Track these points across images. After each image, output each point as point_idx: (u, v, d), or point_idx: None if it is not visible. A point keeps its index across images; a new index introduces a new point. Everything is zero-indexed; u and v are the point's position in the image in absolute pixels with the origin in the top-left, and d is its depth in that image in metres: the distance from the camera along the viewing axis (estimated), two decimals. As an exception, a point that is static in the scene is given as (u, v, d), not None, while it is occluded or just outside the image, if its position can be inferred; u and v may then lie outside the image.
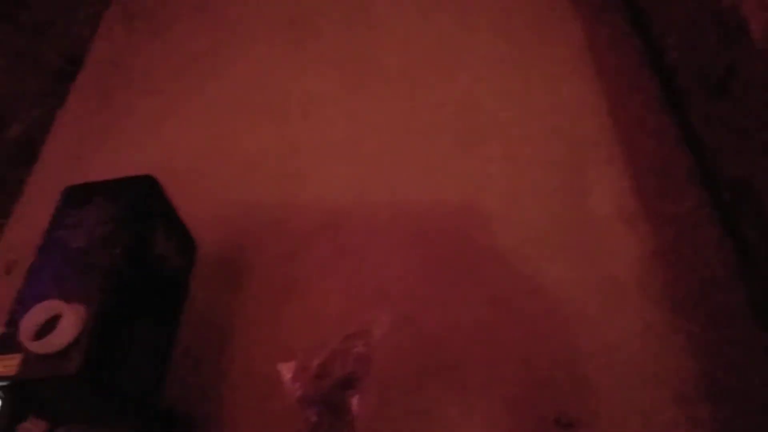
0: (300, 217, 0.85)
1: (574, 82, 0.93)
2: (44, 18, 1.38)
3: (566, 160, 0.84)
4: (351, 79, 1.02)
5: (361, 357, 0.62)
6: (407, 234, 0.80)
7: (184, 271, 0.80)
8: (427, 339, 0.69)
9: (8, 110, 1.18)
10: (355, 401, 0.60)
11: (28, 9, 1.33)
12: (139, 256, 0.69)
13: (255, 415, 0.67)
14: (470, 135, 0.89)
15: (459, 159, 0.87)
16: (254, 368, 0.71)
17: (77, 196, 0.74)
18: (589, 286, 0.71)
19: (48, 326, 0.61)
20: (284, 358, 0.66)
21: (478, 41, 1.02)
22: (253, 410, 0.68)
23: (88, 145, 1.00)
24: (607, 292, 0.70)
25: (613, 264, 0.73)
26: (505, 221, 0.79)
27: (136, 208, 0.71)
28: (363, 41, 1.07)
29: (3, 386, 0.60)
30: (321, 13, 1.15)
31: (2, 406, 0.61)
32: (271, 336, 0.73)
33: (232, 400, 0.69)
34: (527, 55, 0.98)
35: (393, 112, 0.95)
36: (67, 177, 0.78)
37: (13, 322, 0.62)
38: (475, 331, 0.69)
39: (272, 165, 0.92)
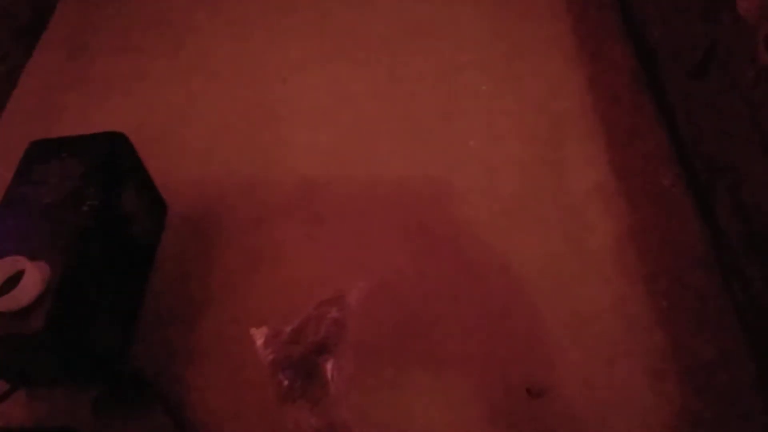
0: (275, 184, 0.83)
1: (556, 59, 0.92)
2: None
3: (545, 135, 0.84)
4: (331, 48, 0.99)
5: (336, 322, 0.61)
6: (384, 204, 0.80)
7: (153, 232, 0.78)
8: (401, 308, 0.69)
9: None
10: (329, 366, 0.60)
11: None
12: (107, 214, 0.66)
13: (226, 379, 0.66)
14: (450, 106, 0.88)
15: (438, 131, 0.86)
16: (225, 332, 0.69)
17: (43, 152, 0.71)
18: (563, 259, 0.72)
19: (10, 283, 0.58)
20: (256, 324, 0.65)
21: (461, 14, 1.00)
22: (224, 374, 0.67)
23: (55, 101, 0.96)
24: (581, 266, 0.71)
25: (588, 238, 0.73)
26: (483, 193, 0.78)
27: (104, 164, 0.68)
28: (344, 11, 1.05)
29: (-39, 344, 0.58)
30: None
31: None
32: (243, 301, 0.72)
33: (202, 364, 0.68)
34: (510, 29, 0.97)
35: (373, 82, 0.93)
36: (32, 133, 0.74)
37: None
38: (449, 302, 0.69)
39: (248, 130, 0.90)
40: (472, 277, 0.71)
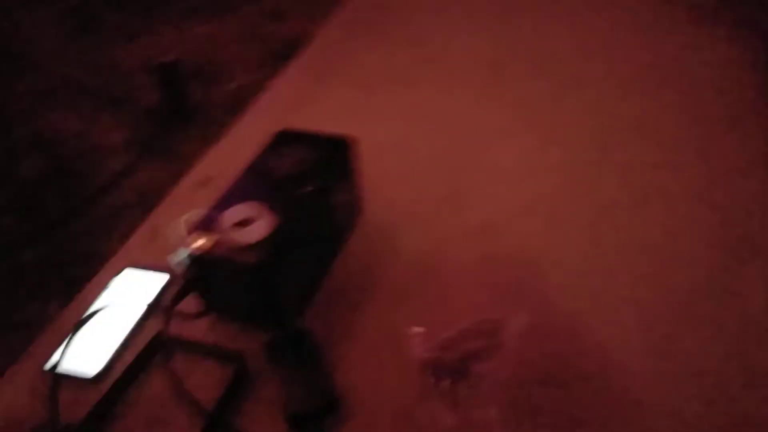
0: (456, 217, 0.92)
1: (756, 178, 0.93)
2: (282, 8, 1.63)
3: (725, 251, 0.84)
4: (531, 122, 1.09)
5: (491, 341, 0.66)
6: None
7: (346, 227, 0.90)
8: (552, 354, 0.72)
9: (231, 70, 1.40)
10: (478, 371, 0.64)
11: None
12: (321, 197, 0.79)
13: (371, 367, 0.73)
14: (634, 192, 0.92)
15: (617, 219, 0.90)
16: (382, 326, 0.77)
17: (288, 138, 0.87)
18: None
19: (244, 223, 0.72)
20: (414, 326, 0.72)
21: (665, 113, 1.06)
22: (371, 362, 0.73)
23: (290, 111, 1.14)
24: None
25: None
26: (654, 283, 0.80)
27: (330, 158, 0.83)
28: (550, 101, 1.15)
29: (195, 257, 0.71)
30: (514, 59, 1.25)
31: (187, 272, 0.72)
32: (406, 306, 0.79)
33: (353, 347, 0.75)
34: (711, 135, 1.00)
35: (564, 162, 1.01)
36: (266, 128, 0.90)
37: (218, 210, 0.74)
38: (600, 360, 0.71)
39: (442, 172, 1.01)
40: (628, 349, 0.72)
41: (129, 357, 0.75)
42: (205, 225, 0.74)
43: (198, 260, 0.71)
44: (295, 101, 1.21)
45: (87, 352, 0.76)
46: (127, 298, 0.83)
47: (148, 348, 0.75)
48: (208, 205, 0.76)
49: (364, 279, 0.84)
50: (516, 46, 1.32)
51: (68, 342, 0.69)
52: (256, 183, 0.80)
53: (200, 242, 0.72)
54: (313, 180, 0.79)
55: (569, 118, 1.10)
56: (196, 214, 0.76)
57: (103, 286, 0.86)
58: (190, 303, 0.78)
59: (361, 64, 1.32)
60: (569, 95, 1.15)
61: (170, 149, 1.17)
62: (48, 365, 0.76)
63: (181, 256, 0.72)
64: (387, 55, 1.34)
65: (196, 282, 0.72)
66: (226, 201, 0.76)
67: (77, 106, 1.33)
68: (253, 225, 0.71)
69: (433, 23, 1.43)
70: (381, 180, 0.98)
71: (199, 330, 0.78)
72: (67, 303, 0.87)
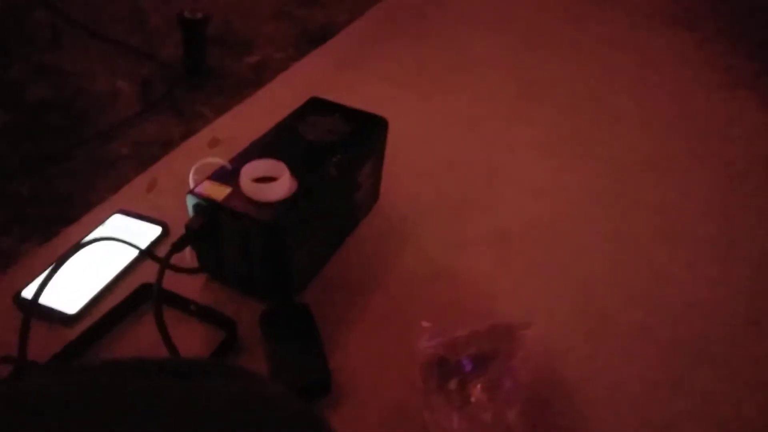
0: (473, 222, 0.88)
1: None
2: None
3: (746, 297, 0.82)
4: (553, 144, 1.07)
5: (504, 345, 0.62)
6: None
7: (364, 211, 0.85)
8: (565, 383, 0.68)
9: (257, 43, 1.36)
10: (477, 387, 0.60)
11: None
12: (347, 172, 0.75)
13: (374, 355, 0.68)
14: (640, 225, 0.90)
15: (648, 254, 0.87)
16: (388, 317, 0.72)
17: (319, 106, 0.83)
18: None
19: (263, 180, 0.67)
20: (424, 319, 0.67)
21: (684, 158, 1.05)
22: (374, 350, 0.69)
23: (310, 92, 1.09)
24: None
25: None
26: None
27: (363, 135, 0.79)
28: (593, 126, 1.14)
29: (203, 206, 0.66)
30: (543, 84, 1.24)
31: (191, 221, 0.67)
32: (415, 299, 0.75)
33: (356, 333, 0.71)
34: (728, 189, 0.99)
35: (590, 194, 0.98)
36: (283, 102, 0.86)
37: (235, 165, 0.70)
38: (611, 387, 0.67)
39: (462, 177, 0.98)
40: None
41: (112, 302, 0.69)
42: (220, 175, 0.69)
43: (206, 210, 0.66)
44: (318, 84, 1.17)
45: (67, 289, 0.70)
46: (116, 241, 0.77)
47: (134, 295, 0.69)
48: (225, 158, 0.72)
49: (373, 266, 0.79)
50: (546, 72, 1.30)
51: (48, 276, 0.63)
52: (281, 143, 0.75)
53: (212, 191, 0.67)
54: (342, 152, 0.74)
55: (588, 147, 1.08)
56: (210, 162, 0.71)
57: (89, 228, 0.80)
58: (186, 257, 0.73)
59: (391, 60, 1.29)
60: (591, 125, 1.14)
61: (181, 107, 1.12)
62: (22, 295, 0.69)
63: (189, 201, 0.67)
64: (418, 57, 1.32)
65: (199, 233, 0.66)
66: (248, 155, 0.72)
67: (92, 50, 1.27)
68: (273, 184, 0.66)
69: (469, 36, 1.42)
70: (401, 174, 0.94)
71: (191, 287, 0.73)
72: (47, 240, 0.81)
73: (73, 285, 0.71)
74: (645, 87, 1.28)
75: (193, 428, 0.28)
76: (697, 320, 0.76)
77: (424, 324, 0.66)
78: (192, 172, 0.72)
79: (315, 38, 1.38)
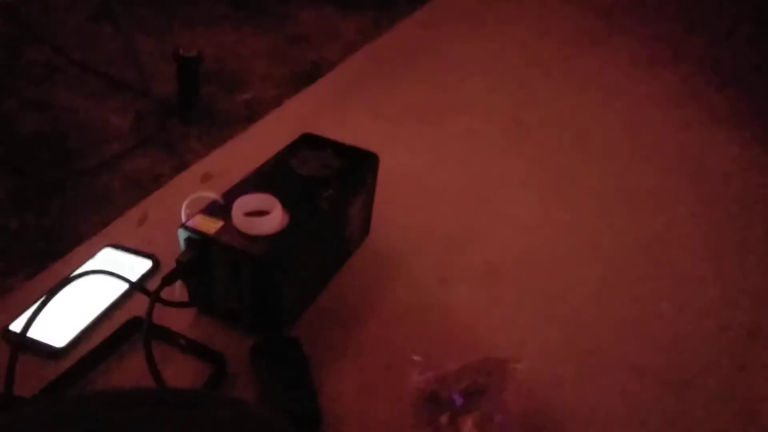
0: (463, 256, 0.89)
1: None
2: (308, 33, 1.64)
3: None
4: (545, 178, 1.09)
5: (494, 380, 0.62)
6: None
7: (353, 244, 0.86)
8: (556, 417, 0.68)
9: (250, 81, 1.38)
10: (468, 422, 0.60)
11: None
12: (337, 206, 0.76)
13: (363, 389, 0.68)
14: (634, 261, 0.91)
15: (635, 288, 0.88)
16: (378, 351, 0.72)
17: (311, 142, 0.84)
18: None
19: (255, 214, 0.68)
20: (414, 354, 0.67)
21: (678, 197, 1.07)
22: (363, 384, 0.68)
23: (304, 128, 1.11)
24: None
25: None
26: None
27: (354, 171, 0.80)
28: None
29: (195, 239, 0.67)
30: (537, 118, 1.27)
31: (183, 254, 0.67)
32: (405, 333, 0.75)
33: (344, 368, 0.70)
34: (721, 234, 1.01)
35: (582, 228, 1.00)
36: (276, 139, 0.88)
37: (227, 199, 0.70)
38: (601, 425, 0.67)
39: (453, 210, 0.99)
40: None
41: (102, 335, 0.68)
42: (212, 209, 0.70)
43: (198, 243, 0.67)
44: (311, 120, 1.19)
45: (56, 323, 0.69)
46: (105, 275, 0.77)
47: (124, 329, 0.69)
48: (217, 192, 0.73)
49: (363, 300, 0.80)
50: (536, 107, 1.34)
51: (37, 309, 0.63)
52: (273, 178, 0.76)
53: (204, 224, 0.67)
54: (333, 186, 0.75)
55: (581, 181, 1.10)
56: (202, 196, 0.72)
57: (79, 262, 0.80)
58: (176, 291, 0.73)
59: (384, 96, 1.32)
60: (581, 160, 1.16)
61: (174, 143, 1.13)
62: (10, 329, 0.69)
63: (180, 235, 0.67)
64: (410, 93, 1.34)
65: (190, 267, 0.67)
66: (240, 189, 0.72)
67: (86, 86, 1.29)
68: (264, 218, 0.67)
69: (459, 75, 1.45)
70: (391, 207, 0.95)
71: (181, 321, 0.73)
72: (36, 274, 0.80)
73: (62, 318, 0.70)
74: (635, 123, 1.31)
75: None
76: (686, 356, 0.77)
77: (415, 358, 0.67)
78: (184, 206, 0.73)
79: (307, 76, 1.41)
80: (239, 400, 0.37)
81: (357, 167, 0.81)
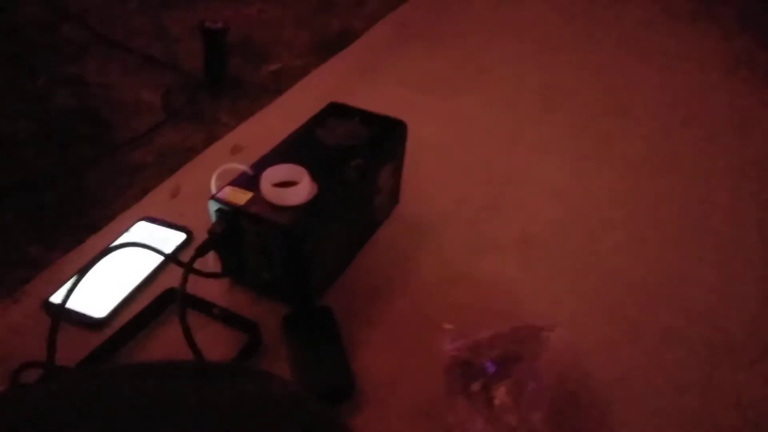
0: (494, 226, 0.88)
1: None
2: (335, 1, 1.62)
3: None
4: (576, 145, 1.06)
5: (527, 347, 0.61)
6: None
7: (383, 213, 0.85)
8: (589, 385, 0.67)
9: (276, 52, 1.37)
10: (501, 390, 0.60)
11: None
12: (366, 176, 0.75)
13: (396, 357, 0.68)
14: (667, 227, 0.89)
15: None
16: (409, 320, 0.72)
17: (338, 111, 0.84)
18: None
19: (283, 185, 0.68)
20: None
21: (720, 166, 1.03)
22: (397, 353, 0.69)
23: (331, 98, 1.10)
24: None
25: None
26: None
27: (382, 140, 0.79)
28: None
29: (225, 211, 0.67)
30: (568, 86, 1.23)
31: (214, 226, 0.68)
32: (435, 303, 0.75)
33: (377, 336, 0.71)
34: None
35: (620, 194, 0.97)
36: (304, 109, 0.87)
37: (256, 170, 0.70)
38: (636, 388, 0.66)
39: (483, 180, 0.98)
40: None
41: (138, 306, 0.70)
42: (241, 181, 0.70)
43: (228, 215, 0.67)
44: (338, 90, 1.18)
45: (94, 295, 0.71)
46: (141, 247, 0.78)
47: (160, 299, 0.70)
48: (246, 163, 0.73)
49: (394, 269, 0.80)
50: (564, 74, 1.30)
51: (76, 281, 0.64)
52: (301, 148, 0.76)
53: (234, 196, 0.68)
54: (361, 156, 0.75)
55: (616, 147, 1.07)
56: (231, 168, 0.72)
57: (115, 235, 0.82)
58: (210, 262, 0.74)
59: (411, 65, 1.30)
60: (611, 126, 1.13)
61: (203, 116, 1.14)
62: (50, 301, 0.71)
63: (211, 207, 0.68)
64: (439, 61, 1.32)
65: (222, 238, 0.67)
66: (268, 160, 0.72)
67: (116, 62, 1.30)
68: (293, 188, 0.67)
69: (487, 41, 1.42)
70: (421, 176, 0.94)
71: (215, 291, 0.74)
72: (73, 247, 0.82)
73: (100, 290, 0.72)
74: (665, 88, 1.26)
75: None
76: (725, 322, 0.75)
77: (447, 326, 0.66)
78: (214, 178, 0.73)
79: (333, 45, 1.39)
80: (266, 375, 0.36)
81: (385, 136, 0.80)
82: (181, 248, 0.81)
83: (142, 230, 0.83)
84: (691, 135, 1.11)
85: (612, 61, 1.36)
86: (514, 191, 0.96)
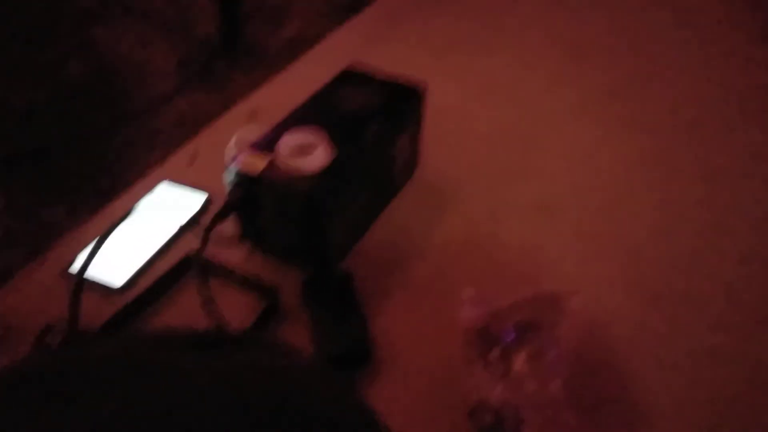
0: (514, 191, 0.87)
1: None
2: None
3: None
4: (602, 109, 1.03)
5: (548, 314, 0.61)
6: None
7: (401, 179, 0.84)
8: (611, 353, 0.66)
9: (293, 15, 1.35)
10: (521, 357, 0.59)
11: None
12: (382, 143, 0.74)
13: (415, 321, 0.68)
14: (698, 195, 0.86)
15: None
16: (429, 285, 0.72)
17: (356, 75, 0.82)
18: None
19: (302, 150, 0.67)
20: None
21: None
22: (415, 317, 0.68)
23: (348, 62, 1.08)
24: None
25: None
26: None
27: (399, 105, 0.77)
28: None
29: (242, 176, 0.66)
30: (594, 46, 1.19)
31: (231, 192, 0.67)
32: (455, 267, 0.74)
33: (395, 301, 0.70)
34: None
35: (647, 160, 0.95)
36: (321, 74, 0.85)
37: (273, 135, 0.69)
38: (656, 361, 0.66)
39: (504, 144, 0.96)
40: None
41: (158, 272, 0.71)
42: (259, 145, 0.69)
43: (246, 181, 0.66)
44: (355, 54, 1.15)
45: (113, 261, 0.72)
46: (161, 211, 0.79)
47: (179, 265, 0.71)
48: (263, 129, 0.72)
49: (413, 235, 0.79)
50: (586, 34, 1.25)
51: (95, 248, 0.65)
52: (318, 113, 0.75)
53: (251, 161, 0.67)
54: (379, 121, 0.73)
55: (630, 111, 1.04)
56: (249, 131, 0.71)
57: (135, 199, 0.82)
58: (228, 227, 0.74)
59: (428, 26, 1.27)
60: (634, 89, 1.09)
61: (219, 80, 1.13)
62: (71, 269, 0.72)
63: (228, 174, 0.67)
64: (457, 22, 1.28)
65: (240, 204, 0.67)
66: (285, 125, 0.71)
67: (130, 28, 1.29)
68: (311, 153, 0.66)
69: (505, 1, 1.37)
70: (441, 141, 0.92)
71: (234, 257, 0.74)
72: (94, 211, 0.83)
73: (119, 257, 0.72)
74: (688, 48, 1.21)
75: (209, 403, 0.28)
76: (748, 288, 0.73)
77: (466, 292, 0.66)
78: (231, 144, 0.73)
79: (348, 8, 1.36)
80: (282, 345, 0.36)
81: (403, 100, 0.78)
82: (201, 212, 0.81)
83: (163, 193, 0.83)
84: (718, 97, 1.07)
85: (644, 23, 1.31)
86: (538, 155, 0.94)
